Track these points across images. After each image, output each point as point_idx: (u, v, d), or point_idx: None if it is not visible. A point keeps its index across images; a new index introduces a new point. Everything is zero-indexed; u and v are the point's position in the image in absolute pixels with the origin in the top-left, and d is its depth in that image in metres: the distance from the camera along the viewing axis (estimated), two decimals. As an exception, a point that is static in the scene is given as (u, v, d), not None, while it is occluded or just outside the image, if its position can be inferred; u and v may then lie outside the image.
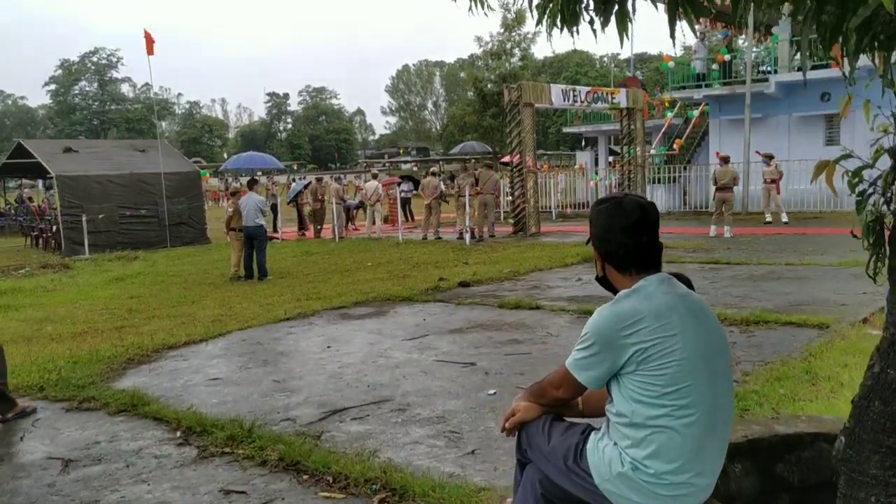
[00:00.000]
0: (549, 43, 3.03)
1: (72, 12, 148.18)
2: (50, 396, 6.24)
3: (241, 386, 6.37)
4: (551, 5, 3.06)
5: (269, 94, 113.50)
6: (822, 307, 8.21)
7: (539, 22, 3.12)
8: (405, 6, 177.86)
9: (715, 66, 25.64)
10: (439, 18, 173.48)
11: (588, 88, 22.31)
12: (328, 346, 7.67)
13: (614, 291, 2.49)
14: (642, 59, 74.98)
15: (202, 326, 8.99)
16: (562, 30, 2.98)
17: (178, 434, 5.18)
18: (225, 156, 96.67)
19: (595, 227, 2.51)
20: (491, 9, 3.20)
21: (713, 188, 17.87)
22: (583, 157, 35.66)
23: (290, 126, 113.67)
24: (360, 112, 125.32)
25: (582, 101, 21.34)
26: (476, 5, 3.18)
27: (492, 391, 5.77)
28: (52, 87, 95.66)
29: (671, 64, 27.37)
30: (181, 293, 12.26)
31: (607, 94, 22.52)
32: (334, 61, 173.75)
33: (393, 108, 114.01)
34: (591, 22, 3.01)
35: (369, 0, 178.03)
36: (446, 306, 9.64)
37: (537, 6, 3.13)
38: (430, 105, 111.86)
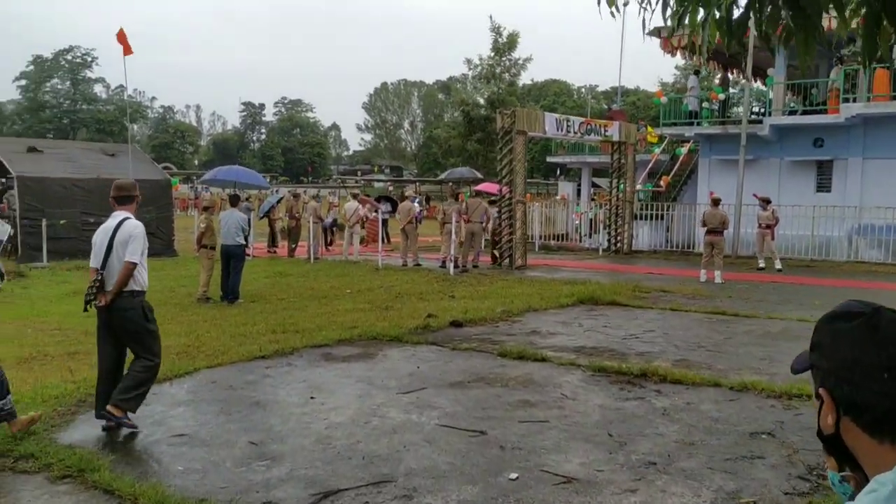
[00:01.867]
0: (703, 61, 2.20)
1: (48, 6, 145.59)
2: (-23, 451, 5.20)
3: (212, 447, 5.38)
4: (703, 11, 2.21)
5: (244, 104, 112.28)
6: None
7: (674, 31, 2.31)
8: (386, 24, 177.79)
9: (706, 105, 25.17)
10: (420, 38, 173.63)
11: (581, 119, 21.65)
12: (312, 397, 6.70)
13: (848, 459, 1.54)
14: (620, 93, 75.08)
15: (167, 360, 7.90)
16: (729, 43, 2.15)
17: (134, 517, 4.21)
18: (196, 163, 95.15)
19: (830, 359, 1.45)
20: (618, 10, 2.40)
21: (702, 230, 17.15)
22: (565, 188, 35.07)
23: (263, 137, 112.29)
24: (335, 127, 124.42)
25: (575, 132, 20.65)
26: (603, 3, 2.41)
27: (513, 475, 4.85)
28: (23, 82, 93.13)
29: (664, 100, 26.87)
30: (144, 315, 11.15)
31: (600, 126, 21.87)
32: (312, 74, 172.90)
33: (369, 126, 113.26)
34: (768, 38, 2.18)
35: (350, 17, 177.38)
36: (440, 351, 8.71)
37: (672, 14, 2.30)
38: (406, 125, 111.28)
